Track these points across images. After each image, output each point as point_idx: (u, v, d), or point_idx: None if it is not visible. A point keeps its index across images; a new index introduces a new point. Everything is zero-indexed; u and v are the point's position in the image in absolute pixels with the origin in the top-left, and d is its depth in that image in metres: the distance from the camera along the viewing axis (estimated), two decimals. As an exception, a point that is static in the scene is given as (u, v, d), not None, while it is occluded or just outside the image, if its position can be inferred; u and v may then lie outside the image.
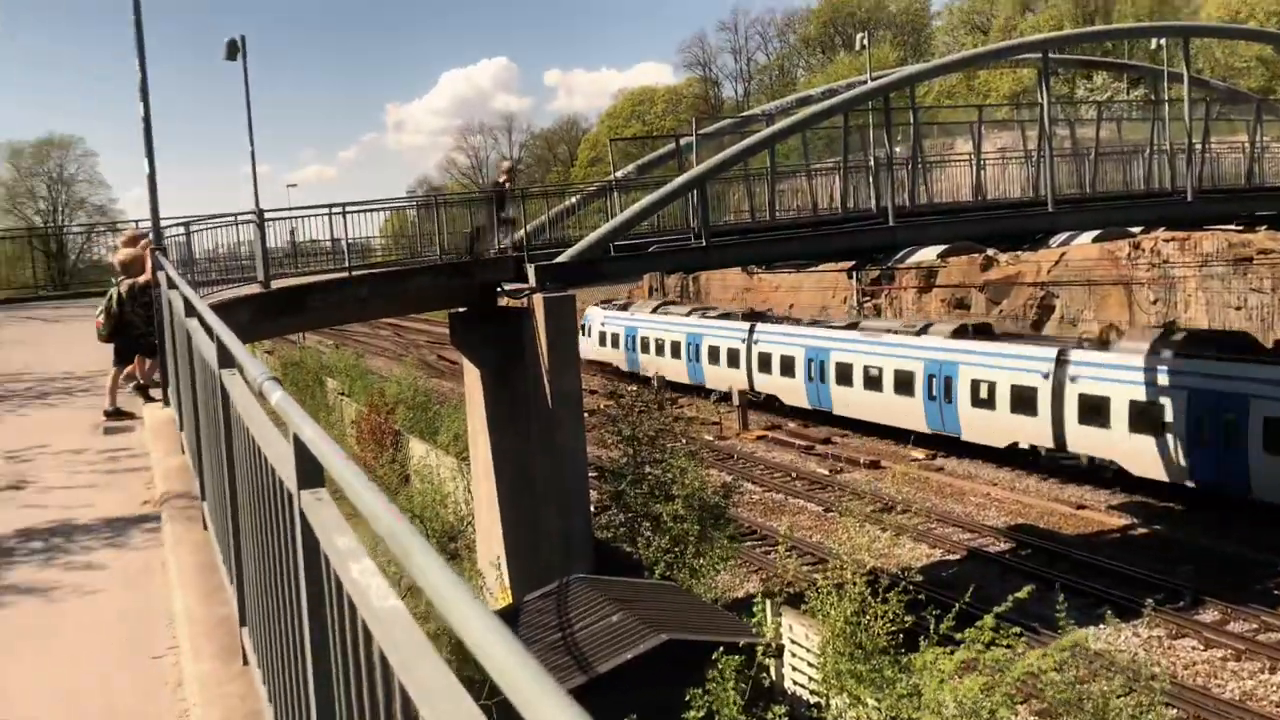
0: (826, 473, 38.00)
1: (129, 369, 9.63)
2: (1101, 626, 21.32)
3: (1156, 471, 30.29)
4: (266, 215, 17.61)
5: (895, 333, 40.06)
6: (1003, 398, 34.33)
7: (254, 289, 17.28)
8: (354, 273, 19.24)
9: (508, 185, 22.14)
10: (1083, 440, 32.32)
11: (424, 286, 19.99)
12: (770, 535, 30.53)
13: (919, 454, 40.15)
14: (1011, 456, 36.05)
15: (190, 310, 5.29)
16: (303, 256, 20.73)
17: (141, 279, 9.16)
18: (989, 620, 13.64)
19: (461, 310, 22.82)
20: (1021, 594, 13.93)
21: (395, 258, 21.01)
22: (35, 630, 4.78)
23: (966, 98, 72.80)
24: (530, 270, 20.20)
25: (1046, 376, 32.86)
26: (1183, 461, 29.03)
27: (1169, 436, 29.08)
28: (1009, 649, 13.12)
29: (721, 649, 13.65)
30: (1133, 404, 30.67)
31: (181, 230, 15.86)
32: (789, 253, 23.78)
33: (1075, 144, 28.06)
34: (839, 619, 14.90)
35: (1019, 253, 45.07)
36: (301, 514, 2.35)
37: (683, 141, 25.99)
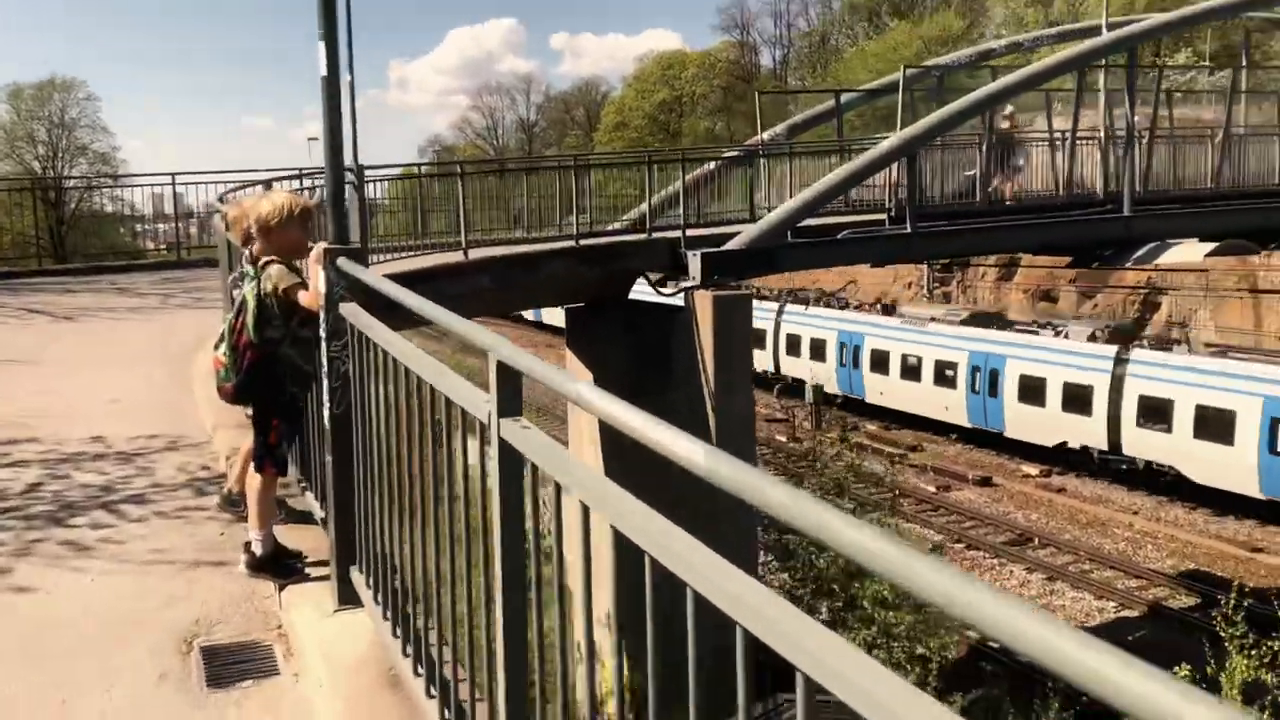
0: (934, 489, 33.20)
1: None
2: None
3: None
4: (367, 173, 12.62)
5: None
6: None
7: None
8: (469, 254, 14.25)
9: (1013, 129, 19.03)
10: None
11: (557, 275, 15.06)
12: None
13: (1031, 470, 35.32)
14: (1143, 479, 31.11)
15: None
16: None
17: (302, 296, 4.18)
18: None
19: (578, 305, 17.90)
20: None
21: (518, 236, 15.93)
22: None
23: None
24: (692, 260, 15.29)
25: None
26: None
27: None
28: None
29: None
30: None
31: (247, 191, 10.86)
32: (1008, 244, 19.02)
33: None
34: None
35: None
36: None
37: (845, 98, 20.93)
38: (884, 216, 17.12)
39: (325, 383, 3.92)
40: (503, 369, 2.44)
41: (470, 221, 13.99)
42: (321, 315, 3.95)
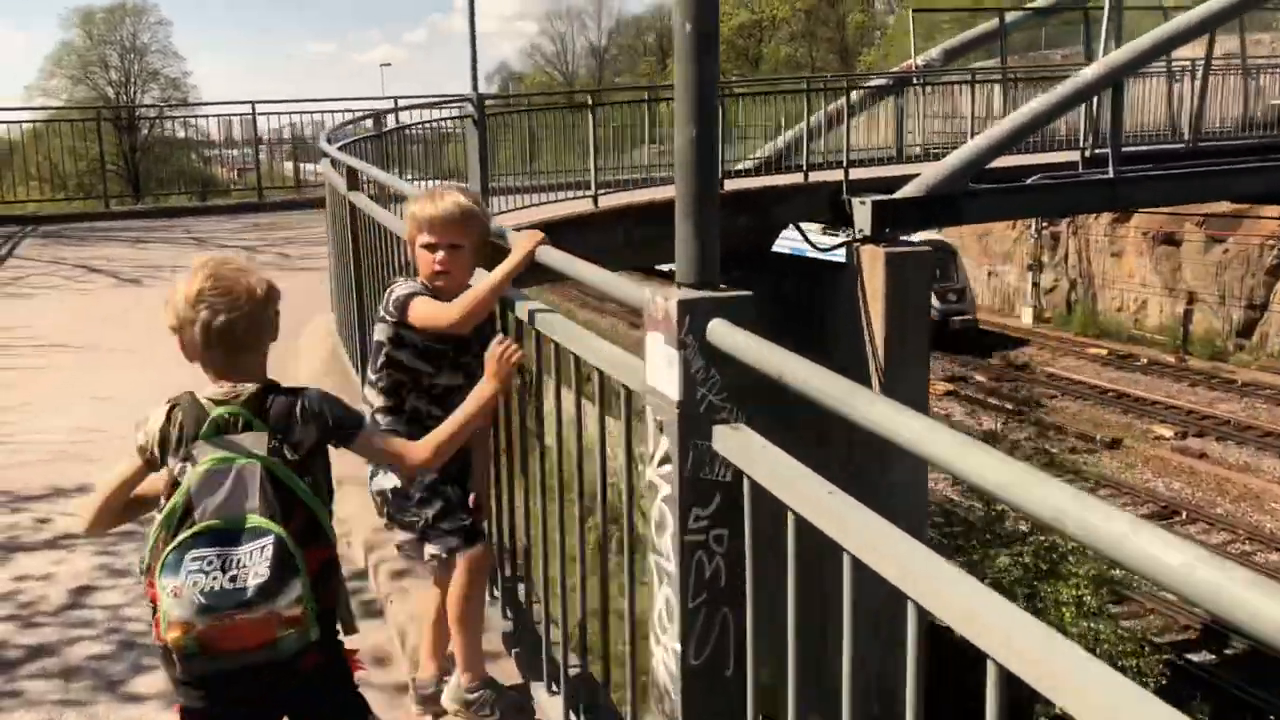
0: (1057, 452, 30.44)
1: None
2: None
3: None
4: (488, 103, 10.35)
5: None
6: None
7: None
8: (599, 201, 12.00)
9: None
10: None
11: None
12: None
13: (1165, 431, 32.28)
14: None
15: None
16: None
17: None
18: None
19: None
20: None
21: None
22: None
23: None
24: (860, 208, 12.86)
25: None
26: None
27: None
28: None
29: None
30: None
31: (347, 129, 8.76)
32: (1228, 190, 16.19)
33: None
34: None
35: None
36: None
37: (1009, 18, 18.02)
38: (1076, 158, 14.46)
39: (671, 597, 1.73)
40: None
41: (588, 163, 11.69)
42: (668, 447, 1.77)
